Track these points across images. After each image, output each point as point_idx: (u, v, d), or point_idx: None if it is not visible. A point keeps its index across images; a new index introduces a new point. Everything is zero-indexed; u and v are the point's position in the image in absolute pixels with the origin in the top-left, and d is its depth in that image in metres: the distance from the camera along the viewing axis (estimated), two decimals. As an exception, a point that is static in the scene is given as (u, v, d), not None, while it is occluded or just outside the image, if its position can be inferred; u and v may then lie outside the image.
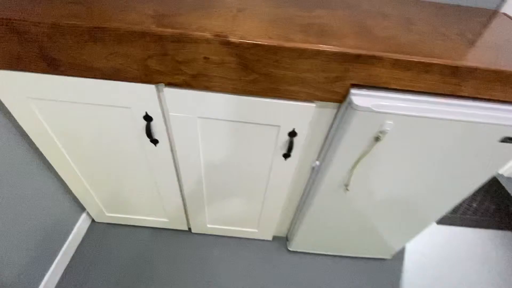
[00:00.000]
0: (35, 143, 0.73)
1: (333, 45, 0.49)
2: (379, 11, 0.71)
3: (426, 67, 0.50)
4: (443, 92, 0.54)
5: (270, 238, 1.08)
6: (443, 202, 0.76)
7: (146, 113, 0.62)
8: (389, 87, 0.54)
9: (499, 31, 0.67)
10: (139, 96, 0.59)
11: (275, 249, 1.07)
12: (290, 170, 0.74)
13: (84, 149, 0.74)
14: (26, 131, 0.69)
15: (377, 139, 0.57)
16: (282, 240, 1.10)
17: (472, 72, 0.51)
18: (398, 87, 0.54)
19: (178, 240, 1.06)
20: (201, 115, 0.62)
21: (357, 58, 0.50)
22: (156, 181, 0.83)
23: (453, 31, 0.64)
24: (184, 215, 0.98)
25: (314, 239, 0.98)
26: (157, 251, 1.02)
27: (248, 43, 0.48)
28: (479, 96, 0.55)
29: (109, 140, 0.71)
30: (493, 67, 0.51)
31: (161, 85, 0.57)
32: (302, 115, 0.60)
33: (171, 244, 1.04)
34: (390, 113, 0.53)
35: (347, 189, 0.70)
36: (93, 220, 1.08)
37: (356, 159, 0.63)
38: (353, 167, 0.64)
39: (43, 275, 0.86)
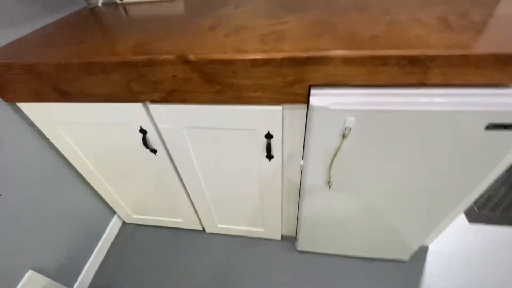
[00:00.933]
0: (68, 158, 0.89)
1: (284, 51, 0.52)
2: (356, 5, 0.70)
3: (381, 61, 0.50)
4: (409, 83, 0.52)
5: (278, 238, 1.11)
6: (447, 197, 0.70)
7: (141, 127, 0.72)
8: (350, 83, 0.54)
9: (497, 10, 0.61)
10: (132, 113, 0.69)
11: (284, 249, 1.09)
12: (277, 170, 0.77)
13: (102, 161, 0.88)
14: (59, 149, 0.86)
15: (343, 136, 0.57)
16: (292, 240, 1.12)
17: (433, 60, 0.48)
18: (359, 83, 0.54)
19: (193, 239, 1.15)
20: (186, 125, 0.69)
21: (307, 60, 0.51)
22: (164, 186, 0.94)
23: (434, 15, 0.61)
24: (195, 216, 1.07)
25: (320, 238, 0.98)
26: (175, 249, 1.13)
27: (205, 60, 0.54)
28: (450, 83, 0.51)
29: (120, 153, 0.83)
30: (458, 52, 0.48)
31: (147, 103, 0.67)
32: (272, 118, 0.63)
33: (187, 243, 1.14)
34: (349, 110, 0.53)
35: (330, 186, 0.70)
36: (124, 222, 1.25)
37: (331, 157, 0.63)
38: (330, 165, 0.65)
39: (81, 269, 1.03)
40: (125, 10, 0.91)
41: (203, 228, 1.17)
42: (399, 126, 0.54)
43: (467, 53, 0.47)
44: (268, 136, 0.67)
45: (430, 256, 1.02)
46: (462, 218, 1.12)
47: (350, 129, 0.56)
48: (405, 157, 0.60)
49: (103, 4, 0.99)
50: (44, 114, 0.74)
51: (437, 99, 0.51)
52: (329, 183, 0.69)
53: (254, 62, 0.53)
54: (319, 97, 0.54)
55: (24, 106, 0.73)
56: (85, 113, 0.72)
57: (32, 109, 0.74)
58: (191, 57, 0.55)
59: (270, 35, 0.59)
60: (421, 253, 1.03)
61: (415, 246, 0.94)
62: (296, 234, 1.10)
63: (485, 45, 0.48)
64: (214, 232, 1.15)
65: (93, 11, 0.94)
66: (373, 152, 0.60)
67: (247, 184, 0.85)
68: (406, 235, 0.89)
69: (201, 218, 1.07)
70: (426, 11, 0.63)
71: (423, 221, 0.82)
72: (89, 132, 0.78)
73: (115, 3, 0.98)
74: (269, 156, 0.73)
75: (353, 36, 0.55)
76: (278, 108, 0.61)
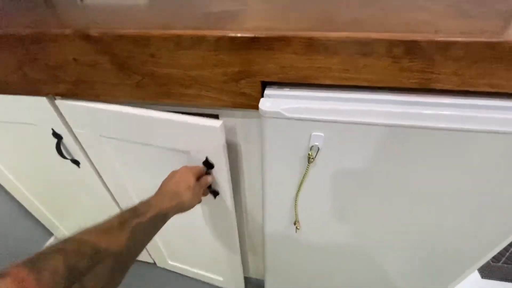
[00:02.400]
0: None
1: (223, 30, 0.35)
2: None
3: (363, 47, 0.32)
4: (405, 85, 0.35)
5: None
6: (460, 252, 0.51)
7: (53, 130, 0.55)
8: (318, 82, 0.37)
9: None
10: (37, 110, 0.52)
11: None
12: (227, 208, 0.57)
13: (22, 172, 0.70)
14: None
15: (309, 159, 0.39)
16: (260, 283, 0.90)
17: (444, 49, 0.31)
18: (330, 82, 0.36)
19: (142, 272, 0.94)
20: (102, 133, 0.52)
21: (253, 42, 0.34)
22: (98, 206, 0.74)
23: (444, 2, 0.44)
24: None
25: (292, 285, 0.77)
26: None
27: (111, 36, 0.38)
28: (469, 88, 0.34)
29: (39, 161, 0.65)
30: (484, 38, 0.30)
31: (50, 97, 0.50)
32: (210, 137, 0.44)
33: (134, 274, 0.93)
34: (315, 120, 0.35)
35: (297, 228, 0.51)
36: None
37: (295, 188, 0.44)
38: (295, 198, 0.46)
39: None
40: None
41: (154, 261, 0.96)
42: (389, 147, 0.36)
43: (498, 40, 0.30)
44: (207, 164, 0.49)
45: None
46: (474, 273, 0.91)
47: (318, 149, 0.37)
48: (397, 192, 0.41)
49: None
50: None
51: (448, 112, 0.33)
52: (295, 224, 0.50)
53: (179, 41, 0.36)
54: (273, 99, 0.37)
55: None
56: (-21, 107, 0.55)
57: None
58: (93, 31, 0.38)
59: (217, 14, 0.43)
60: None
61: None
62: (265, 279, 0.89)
63: (525, 32, 0.31)
64: (167, 268, 0.94)
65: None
66: (353, 183, 0.42)
67: (192, 220, 0.65)
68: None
69: (149, 249, 0.87)
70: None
71: (427, 279, 0.61)
72: (-5, 133, 0.61)
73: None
74: (213, 192, 0.54)
75: (329, 18, 0.39)
76: (215, 125, 0.42)
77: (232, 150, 0.52)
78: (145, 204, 0.37)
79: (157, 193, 0.41)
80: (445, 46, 0.31)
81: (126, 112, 0.46)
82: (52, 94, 0.48)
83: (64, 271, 0.23)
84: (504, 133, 0.32)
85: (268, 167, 0.43)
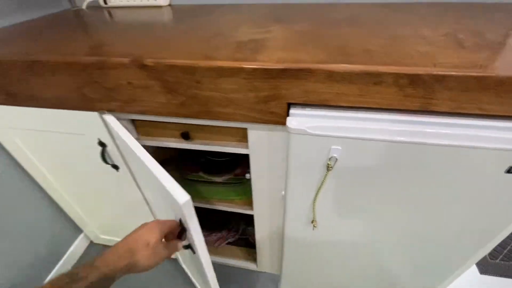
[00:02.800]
0: (23, 166, 0.80)
1: (259, 61, 0.43)
2: (350, 19, 0.62)
3: (374, 78, 0.40)
4: (409, 108, 0.42)
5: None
6: (456, 247, 0.58)
7: (99, 139, 0.63)
8: (336, 104, 0.44)
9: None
10: (88, 123, 0.60)
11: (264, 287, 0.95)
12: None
13: (61, 173, 0.78)
14: (14, 156, 0.77)
15: (327, 167, 0.46)
16: (274, 278, 0.98)
17: (441, 81, 0.38)
18: (347, 104, 0.44)
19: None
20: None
21: (283, 73, 0.42)
22: (130, 207, 0.82)
23: (441, 33, 0.52)
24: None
25: (307, 280, 0.84)
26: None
27: (164, 65, 0.45)
28: (462, 111, 0.41)
29: (80, 166, 0.73)
30: (473, 72, 0.38)
31: (103, 112, 0.58)
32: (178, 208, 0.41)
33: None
34: (334, 136, 0.43)
35: (314, 226, 0.58)
36: (91, 241, 1.12)
37: (314, 191, 0.52)
38: (314, 200, 0.54)
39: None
40: (110, 14, 0.85)
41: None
42: (396, 160, 0.43)
43: (485, 75, 0.37)
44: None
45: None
46: (472, 268, 0.97)
47: (336, 159, 0.45)
48: (403, 195, 0.49)
49: (88, 6, 0.93)
50: (-5, 117, 0.65)
51: (445, 130, 0.40)
52: (313, 222, 0.58)
53: (221, 72, 0.44)
54: (298, 118, 0.44)
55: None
56: (36, 119, 0.63)
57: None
58: (148, 61, 0.46)
59: (247, 44, 0.50)
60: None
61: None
62: (281, 272, 0.96)
63: (507, 66, 0.38)
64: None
65: (76, 13, 0.88)
66: (364, 187, 0.49)
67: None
68: (408, 283, 0.75)
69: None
70: (432, 27, 0.54)
71: (427, 274, 0.68)
72: (44, 141, 0.69)
73: (100, 7, 0.92)
74: (187, 247, 0.50)
75: (342, 49, 0.46)
76: (180, 200, 0.39)
77: (256, 158, 0.59)
78: (86, 267, 0.33)
79: (109, 250, 0.36)
80: (442, 79, 0.38)
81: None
82: (105, 109, 0.56)
83: None
84: (492, 149, 0.39)
85: (292, 174, 0.50)
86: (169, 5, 0.89)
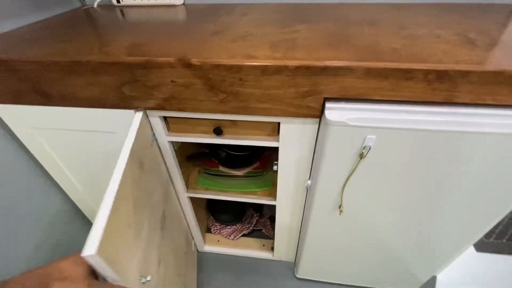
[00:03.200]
0: (46, 168, 0.80)
1: (298, 59, 0.47)
2: (368, 19, 0.67)
3: (406, 74, 0.45)
4: (434, 100, 0.47)
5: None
6: (466, 226, 0.65)
7: (132, 137, 0.64)
8: (369, 98, 0.49)
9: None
10: (121, 121, 0.61)
11: (281, 275, 0.99)
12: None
13: (86, 174, 0.79)
14: (37, 158, 0.76)
15: (361, 155, 0.51)
16: (290, 265, 1.03)
17: (465, 76, 0.44)
18: (379, 98, 0.48)
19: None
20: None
21: (324, 70, 0.46)
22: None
23: (452, 32, 0.57)
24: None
25: (322, 265, 0.90)
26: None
27: (210, 64, 0.48)
28: (481, 102, 0.47)
29: (106, 165, 0.75)
30: (492, 68, 0.43)
31: (140, 110, 0.59)
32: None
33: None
34: (369, 127, 0.47)
35: (341, 211, 0.63)
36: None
37: (344, 178, 0.57)
38: (343, 187, 0.58)
39: None
40: (122, 13, 0.85)
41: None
42: (423, 147, 0.49)
43: (502, 70, 0.43)
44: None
45: (439, 287, 0.95)
46: (470, 248, 1.07)
47: (370, 148, 0.50)
48: (427, 182, 0.54)
49: (99, 5, 0.93)
50: (20, 117, 0.65)
51: (467, 119, 0.46)
52: (340, 207, 0.62)
53: (265, 70, 0.47)
54: (336, 112, 0.49)
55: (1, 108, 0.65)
56: (68, 119, 0.63)
57: (7, 111, 0.65)
58: (194, 61, 0.48)
59: (280, 43, 0.54)
60: (430, 283, 0.96)
61: (426, 277, 0.86)
62: (295, 259, 1.01)
63: (519, 62, 0.44)
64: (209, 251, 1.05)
65: (87, 12, 0.88)
66: (391, 174, 0.54)
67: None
68: (417, 266, 0.82)
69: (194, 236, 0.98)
70: (442, 28, 0.60)
71: (438, 253, 0.75)
72: (71, 141, 0.69)
73: (112, 5, 0.92)
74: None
75: (372, 48, 0.51)
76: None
77: (285, 150, 0.63)
78: None
79: (21, 273, 0.30)
80: (465, 74, 0.44)
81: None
82: (142, 107, 0.58)
83: None
84: (505, 134, 0.45)
85: (325, 163, 0.55)
86: (183, 4, 0.91)
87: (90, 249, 0.33)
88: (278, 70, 0.47)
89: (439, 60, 0.45)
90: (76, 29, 0.69)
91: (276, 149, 0.64)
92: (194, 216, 0.92)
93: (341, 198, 0.61)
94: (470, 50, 0.49)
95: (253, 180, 0.86)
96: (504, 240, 1.08)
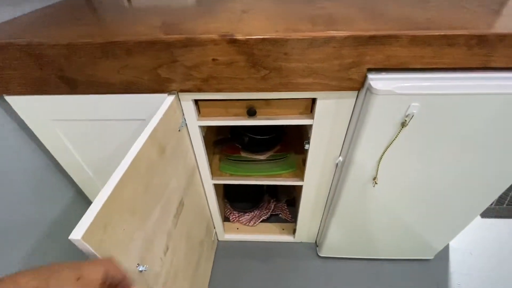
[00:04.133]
0: (63, 166, 0.76)
1: (344, 30, 0.47)
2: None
3: (449, 40, 0.46)
4: (471, 66, 0.50)
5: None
6: (487, 192, 0.69)
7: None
8: (410, 67, 0.50)
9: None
10: (153, 106, 0.59)
11: (304, 256, 1.02)
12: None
13: (104, 165, 0.76)
14: (51, 152, 0.72)
15: (403, 124, 0.53)
16: (311, 246, 1.05)
17: (502, 39, 0.46)
18: (420, 66, 0.50)
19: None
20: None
21: (371, 39, 0.47)
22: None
23: (474, 3, 0.60)
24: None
25: (346, 242, 0.93)
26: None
27: (255, 39, 0.48)
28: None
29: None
30: (526, 31, 0.46)
31: (172, 93, 0.58)
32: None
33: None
34: (414, 94, 0.49)
35: (375, 183, 0.65)
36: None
37: (382, 149, 0.58)
38: (380, 158, 0.60)
39: None
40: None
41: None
42: (462, 112, 0.51)
43: (538, 32, 0.45)
44: None
45: (452, 254, 1.01)
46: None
47: (412, 116, 0.51)
48: (459, 147, 0.57)
49: (102, -9, 0.88)
50: (41, 109, 0.61)
51: (502, 82, 0.49)
52: (374, 179, 0.64)
53: (313, 41, 0.47)
54: (381, 82, 0.50)
55: (14, 100, 0.60)
56: (93, 108, 0.60)
57: (23, 104, 0.61)
58: (239, 36, 0.47)
59: (317, 18, 0.54)
60: (444, 250, 1.02)
61: (441, 245, 0.91)
62: (317, 239, 1.04)
63: (548, 25, 0.47)
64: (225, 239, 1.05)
65: (90, -2, 0.83)
66: (428, 143, 0.57)
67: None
68: (435, 235, 0.86)
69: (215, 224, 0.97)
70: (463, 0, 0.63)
71: (456, 220, 0.80)
72: (93, 131, 0.66)
73: (117, -9, 0.88)
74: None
75: (407, 19, 0.52)
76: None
77: (319, 128, 0.64)
78: None
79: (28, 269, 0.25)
80: (503, 38, 0.46)
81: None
82: (178, 90, 0.56)
83: None
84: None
85: (365, 134, 0.56)
86: (193, -13, 0.88)
87: (76, 233, 0.32)
88: (326, 41, 0.47)
89: (476, 26, 0.47)
90: (90, 13, 0.66)
91: (299, 129, 0.64)
92: (218, 203, 0.91)
93: (377, 170, 0.63)
94: (496, 18, 0.51)
95: (276, 163, 0.86)
96: (504, 205, 1.16)
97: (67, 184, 0.83)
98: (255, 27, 0.51)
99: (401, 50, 0.48)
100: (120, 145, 0.69)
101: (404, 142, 0.57)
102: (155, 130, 0.48)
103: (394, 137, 0.55)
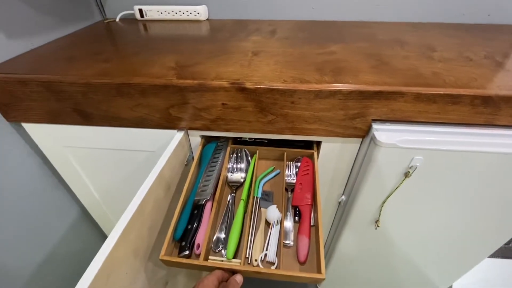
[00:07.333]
0: (70, 187, 0.78)
1: (350, 83, 0.49)
2: (396, 39, 0.70)
3: (454, 99, 0.47)
4: (476, 122, 0.50)
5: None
6: (494, 238, 0.68)
7: (171, 155, 0.64)
8: (414, 120, 0.51)
9: (534, 50, 0.63)
10: (162, 140, 0.61)
11: None
12: None
13: (111, 189, 0.78)
14: (62, 175, 0.75)
15: (406, 174, 0.53)
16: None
17: (506, 101, 0.47)
18: (424, 120, 0.51)
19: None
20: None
21: (377, 94, 0.48)
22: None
23: (481, 55, 0.61)
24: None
25: (345, 281, 0.91)
26: None
27: (264, 88, 0.49)
28: (518, 124, 0.50)
29: (136, 182, 0.74)
30: (531, 93, 0.46)
31: (183, 129, 0.59)
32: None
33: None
34: (417, 148, 0.49)
35: (377, 226, 0.65)
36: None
37: (385, 195, 0.59)
38: (383, 203, 0.60)
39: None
40: (145, 28, 0.85)
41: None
42: (465, 167, 0.51)
43: (543, 96, 0.46)
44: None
45: (455, 294, 0.98)
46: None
47: (416, 168, 0.52)
48: (464, 197, 0.57)
49: (121, 19, 0.93)
50: (55, 137, 0.64)
51: (505, 140, 0.49)
52: (377, 222, 0.64)
53: (319, 93, 0.49)
54: (385, 133, 0.51)
55: (30, 127, 0.63)
56: (105, 138, 0.63)
57: (38, 131, 0.63)
58: (249, 85, 0.49)
59: (324, 65, 0.56)
60: (447, 291, 0.99)
61: (446, 286, 0.89)
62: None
63: (554, 88, 0.48)
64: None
65: (110, 26, 0.88)
66: (431, 193, 0.57)
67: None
68: (439, 276, 0.85)
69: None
70: (469, 50, 0.64)
71: (461, 263, 0.78)
72: (103, 158, 0.68)
73: (135, 19, 0.92)
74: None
75: (413, 72, 0.53)
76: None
77: (323, 168, 0.65)
78: None
79: None
80: (508, 99, 0.47)
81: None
82: (187, 128, 0.58)
83: None
84: (541, 153, 0.49)
85: (369, 180, 0.56)
86: (207, 19, 0.92)
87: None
88: (332, 94, 0.49)
89: (482, 85, 0.48)
90: (108, 46, 0.69)
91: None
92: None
93: (379, 214, 0.63)
94: (504, 75, 0.52)
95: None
96: (511, 245, 1.13)
97: (74, 204, 0.85)
98: (264, 73, 0.52)
99: (406, 105, 0.49)
100: (128, 172, 0.71)
101: (407, 191, 0.57)
102: (163, 170, 0.50)
103: (397, 186, 0.56)
